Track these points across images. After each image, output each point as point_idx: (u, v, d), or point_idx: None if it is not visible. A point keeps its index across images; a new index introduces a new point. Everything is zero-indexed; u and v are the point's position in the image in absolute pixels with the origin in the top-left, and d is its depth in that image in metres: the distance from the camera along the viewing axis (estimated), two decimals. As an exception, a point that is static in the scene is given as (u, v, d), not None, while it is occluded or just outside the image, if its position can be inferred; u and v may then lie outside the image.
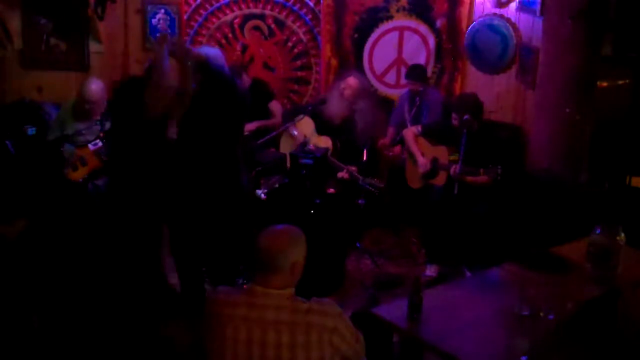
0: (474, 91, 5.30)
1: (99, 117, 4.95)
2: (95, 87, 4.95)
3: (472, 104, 4.82)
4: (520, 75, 5.73)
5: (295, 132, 5.49)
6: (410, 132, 5.27)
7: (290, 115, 5.66)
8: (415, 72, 5.68)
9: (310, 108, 5.60)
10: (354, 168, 5.17)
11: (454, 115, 4.85)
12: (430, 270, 4.97)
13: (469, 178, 4.73)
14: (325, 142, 5.34)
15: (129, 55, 6.26)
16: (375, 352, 2.97)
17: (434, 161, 5.06)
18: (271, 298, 2.43)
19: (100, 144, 4.84)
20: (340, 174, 5.21)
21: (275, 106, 5.96)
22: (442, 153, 5.03)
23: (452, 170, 4.73)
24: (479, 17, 5.99)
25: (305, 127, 5.44)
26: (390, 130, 5.98)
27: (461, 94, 5.88)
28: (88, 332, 3.79)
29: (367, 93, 5.72)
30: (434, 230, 4.99)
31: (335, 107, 5.47)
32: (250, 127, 5.54)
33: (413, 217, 5.55)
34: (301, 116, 5.45)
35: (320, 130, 5.49)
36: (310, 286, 2.81)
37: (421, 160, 5.09)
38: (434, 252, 5.02)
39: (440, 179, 5.03)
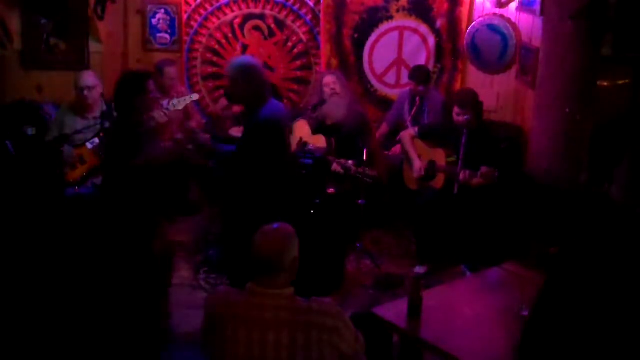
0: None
1: (97, 115, 4.96)
2: (89, 75, 5.06)
3: (473, 97, 4.82)
4: (520, 75, 5.73)
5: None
6: (407, 134, 5.25)
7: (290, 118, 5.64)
8: (419, 74, 5.65)
9: (310, 109, 5.59)
10: (343, 160, 5.11)
11: (456, 109, 4.80)
12: (420, 269, 4.96)
13: (472, 180, 4.72)
14: (320, 141, 5.32)
15: (129, 55, 6.27)
16: (375, 352, 2.97)
17: (431, 164, 5.04)
18: (271, 298, 2.43)
19: (97, 141, 4.85)
20: (333, 168, 5.18)
21: None
22: (439, 155, 5.01)
23: (461, 177, 4.69)
24: (479, 17, 6.00)
25: (301, 129, 5.43)
26: (383, 126, 5.96)
27: (460, 89, 5.89)
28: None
29: (346, 88, 5.63)
30: (425, 232, 4.98)
31: (326, 108, 5.44)
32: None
33: (410, 217, 5.55)
34: (298, 118, 5.45)
35: (315, 130, 5.48)
36: (310, 286, 2.81)
37: (417, 165, 5.06)
38: (424, 252, 5.01)
39: (438, 182, 5.02)
